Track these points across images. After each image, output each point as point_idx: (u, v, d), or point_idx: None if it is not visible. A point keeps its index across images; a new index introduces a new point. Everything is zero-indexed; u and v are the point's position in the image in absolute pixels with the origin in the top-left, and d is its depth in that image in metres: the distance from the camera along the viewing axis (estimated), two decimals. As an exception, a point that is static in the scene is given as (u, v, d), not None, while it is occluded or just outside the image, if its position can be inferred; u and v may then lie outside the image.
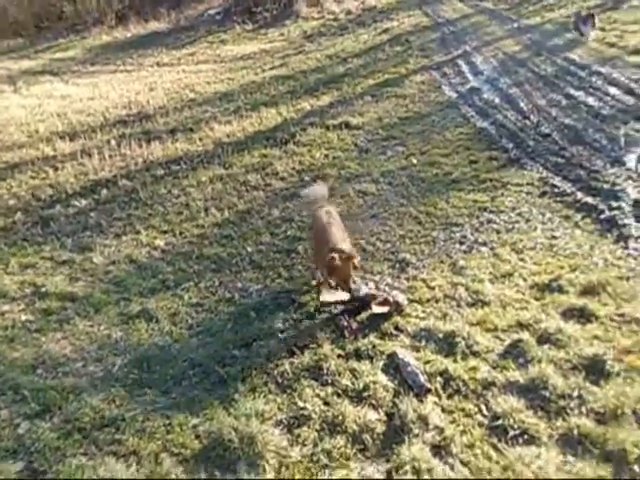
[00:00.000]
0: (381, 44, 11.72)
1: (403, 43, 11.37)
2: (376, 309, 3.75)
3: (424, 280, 4.15)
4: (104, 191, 6.47)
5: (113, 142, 8.30)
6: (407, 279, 4.23)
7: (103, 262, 5.01)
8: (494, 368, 3.21)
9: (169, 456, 2.92)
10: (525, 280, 4.00)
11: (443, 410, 2.98)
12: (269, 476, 2.77)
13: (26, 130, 9.58)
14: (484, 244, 4.57)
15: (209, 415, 3.15)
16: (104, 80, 13.52)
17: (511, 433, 2.78)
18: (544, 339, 3.39)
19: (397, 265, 4.43)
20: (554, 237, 4.50)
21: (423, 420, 2.87)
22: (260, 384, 3.35)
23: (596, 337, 3.38)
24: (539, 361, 3.21)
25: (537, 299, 3.80)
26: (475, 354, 3.33)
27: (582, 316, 3.57)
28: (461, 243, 4.63)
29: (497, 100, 7.81)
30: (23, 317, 4.34)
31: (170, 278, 4.66)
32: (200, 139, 8.15)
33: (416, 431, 2.84)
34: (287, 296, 4.20)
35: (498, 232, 4.73)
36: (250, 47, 15.29)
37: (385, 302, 3.76)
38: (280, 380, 3.37)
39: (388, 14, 14.20)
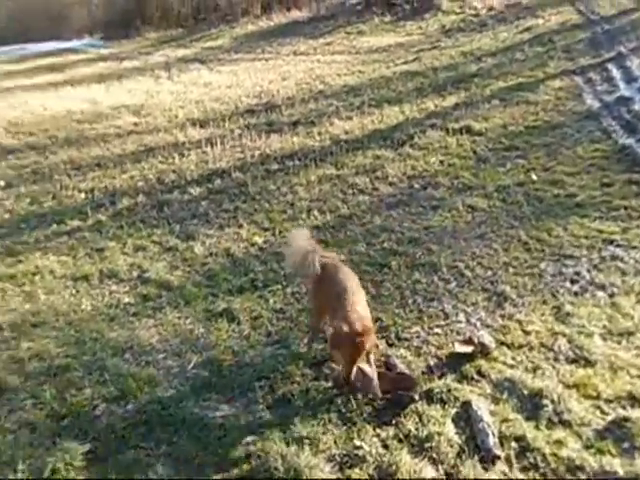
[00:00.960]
0: (520, 43, 10.71)
1: (545, 43, 10.28)
2: (459, 348, 3.35)
3: (520, 322, 3.64)
4: (218, 181, 6.62)
5: (237, 132, 8.52)
6: (502, 317, 3.73)
7: (202, 253, 5.09)
8: (586, 448, 2.67)
9: (216, 471, 2.84)
10: (651, 344, 3.31)
11: (512, 485, 2.55)
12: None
13: (168, 115, 10.19)
14: (602, 287, 3.90)
15: (265, 435, 3.02)
16: (243, 68, 14.00)
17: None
18: (663, 424, 2.74)
19: (494, 298, 3.94)
20: None
21: (484, 494, 2.48)
22: (322, 410, 3.14)
23: None
24: (650, 452, 2.60)
25: (663, 371, 3.10)
26: (564, 424, 2.80)
27: None
28: (573, 282, 4.00)
29: (651, 113, 6.72)
30: (126, 299, 4.54)
31: (260, 278, 4.60)
32: (319, 134, 8.06)
33: (474, 505, 2.46)
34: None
35: (624, 274, 4.02)
36: (386, 39, 14.90)
37: (469, 341, 3.35)
38: (343, 410, 3.13)
39: (534, 10, 12.93)
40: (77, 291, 4.70)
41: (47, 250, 5.36)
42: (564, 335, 3.46)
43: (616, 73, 8.29)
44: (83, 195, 6.58)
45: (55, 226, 5.84)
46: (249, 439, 3.02)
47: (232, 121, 9.23)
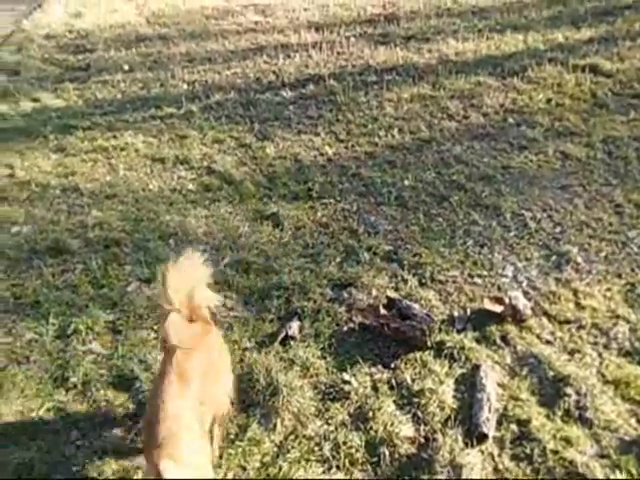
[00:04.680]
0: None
1: None
2: (487, 304, 2.75)
3: (577, 292, 2.89)
4: (311, 86, 6.01)
5: (352, 39, 7.70)
6: (557, 281, 2.99)
7: (272, 154, 4.70)
8: (601, 457, 2.04)
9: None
10: None
11: (495, 470, 2.04)
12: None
13: (289, 16, 9.44)
14: (699, 277, 2.96)
15: (262, 345, 2.74)
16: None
17: None
18: None
19: (554, 258, 3.17)
20: None
21: (456, 470, 2.00)
22: (326, 334, 2.78)
23: None
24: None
25: None
26: (584, 422, 2.18)
27: None
28: (663, 259, 3.09)
29: None
30: (190, 186, 4.35)
31: (317, 188, 4.13)
32: (429, 51, 7.00)
33: (440, 478, 2.00)
34: (407, 250, 3.39)
35: None
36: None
37: (500, 300, 2.72)
38: (347, 339, 2.75)
39: None
40: (151, 171, 4.59)
41: (139, 130, 5.25)
42: (628, 321, 2.68)
43: None
44: (185, 86, 6.36)
45: (153, 110, 5.71)
46: (247, 345, 2.78)
47: (348, 28, 8.31)
